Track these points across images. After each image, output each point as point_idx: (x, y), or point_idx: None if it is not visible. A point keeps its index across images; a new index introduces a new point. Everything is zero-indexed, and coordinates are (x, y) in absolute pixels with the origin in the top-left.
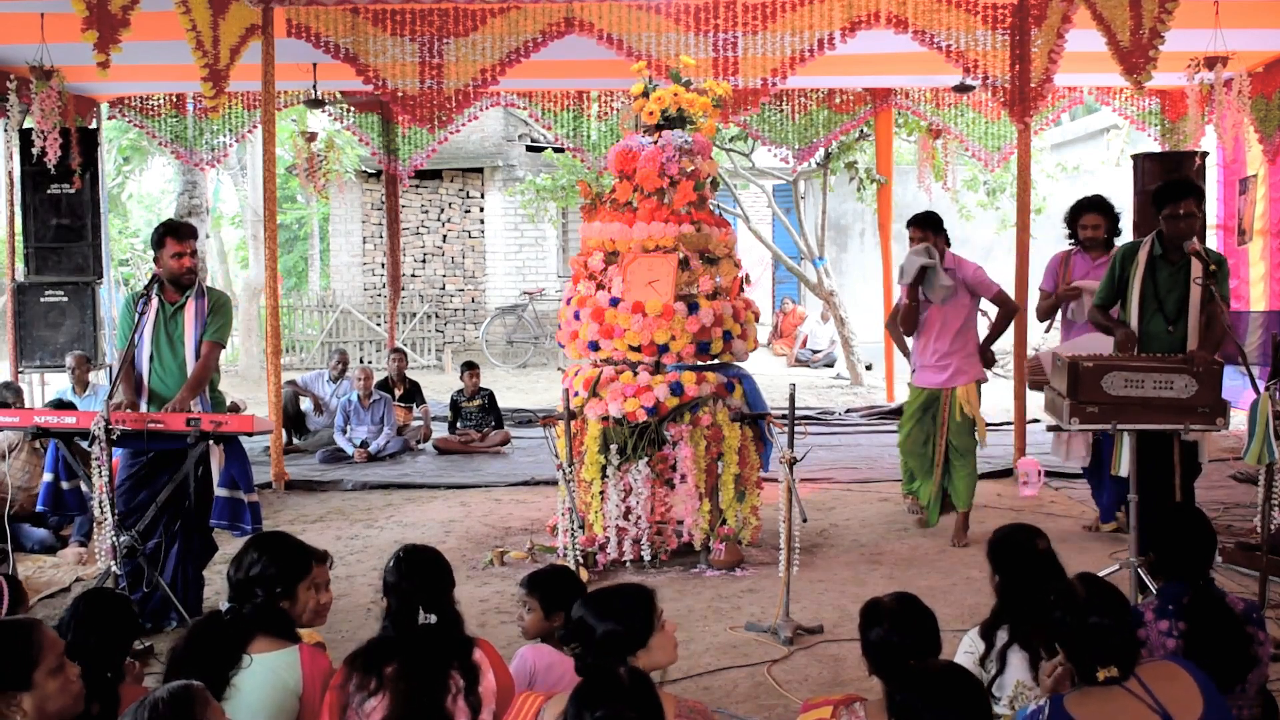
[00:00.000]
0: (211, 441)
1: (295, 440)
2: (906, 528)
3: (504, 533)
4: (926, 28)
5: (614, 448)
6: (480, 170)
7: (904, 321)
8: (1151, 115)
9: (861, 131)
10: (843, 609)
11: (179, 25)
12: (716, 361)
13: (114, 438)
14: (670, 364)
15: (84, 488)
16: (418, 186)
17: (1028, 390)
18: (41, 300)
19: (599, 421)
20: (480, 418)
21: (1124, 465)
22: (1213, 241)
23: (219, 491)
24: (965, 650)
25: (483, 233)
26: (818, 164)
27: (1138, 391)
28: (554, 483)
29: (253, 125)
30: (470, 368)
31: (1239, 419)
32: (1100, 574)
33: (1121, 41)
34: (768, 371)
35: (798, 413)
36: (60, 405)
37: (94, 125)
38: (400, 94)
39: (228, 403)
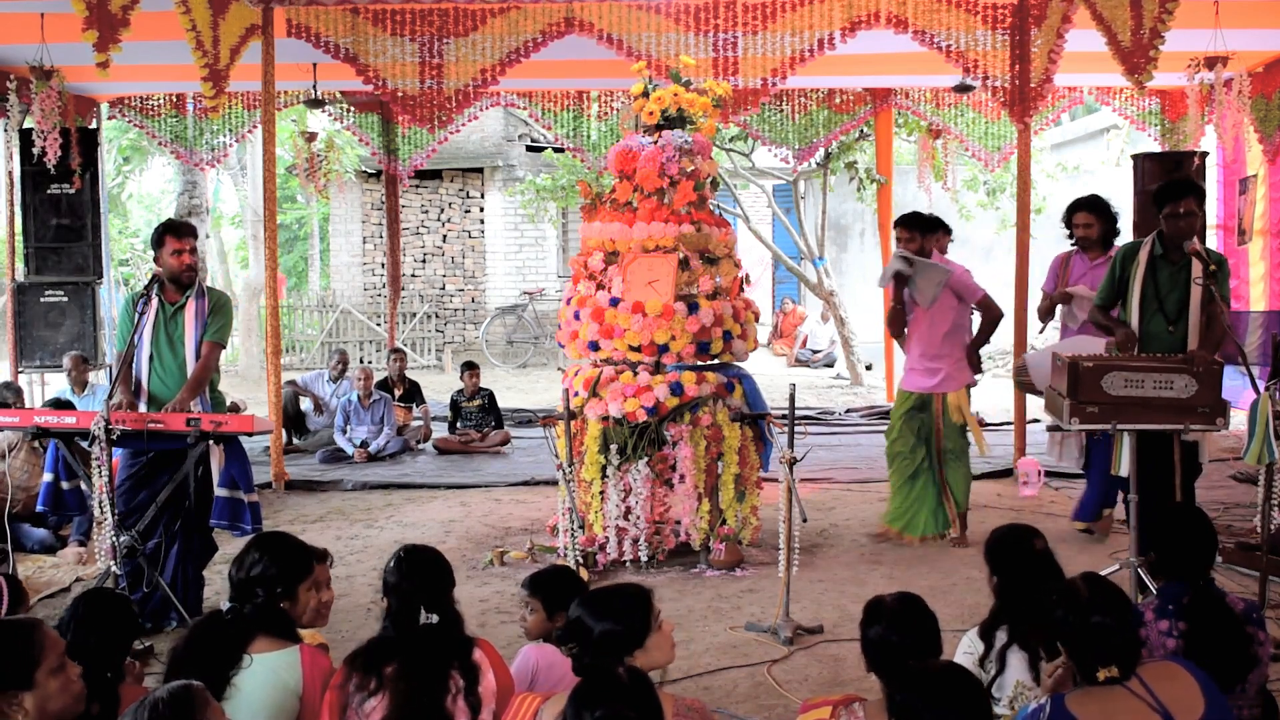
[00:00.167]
0: (211, 441)
1: (295, 440)
2: None
3: (504, 533)
4: (926, 28)
5: (614, 448)
6: (480, 170)
7: (891, 325)
8: (1151, 115)
9: (861, 131)
10: (843, 609)
11: (179, 25)
12: (716, 361)
13: (114, 438)
14: (670, 364)
15: (84, 488)
16: (418, 186)
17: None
18: (41, 300)
19: (599, 421)
20: (480, 418)
21: (1124, 465)
22: (1213, 241)
23: (219, 491)
24: (965, 650)
25: (483, 233)
26: (818, 164)
27: (1138, 391)
28: (554, 483)
29: (253, 125)
30: (470, 368)
31: (1239, 419)
32: (1100, 574)
33: (1122, 41)
34: (768, 371)
35: (798, 413)
36: (59, 404)
37: (94, 125)
38: (400, 94)
39: (228, 403)
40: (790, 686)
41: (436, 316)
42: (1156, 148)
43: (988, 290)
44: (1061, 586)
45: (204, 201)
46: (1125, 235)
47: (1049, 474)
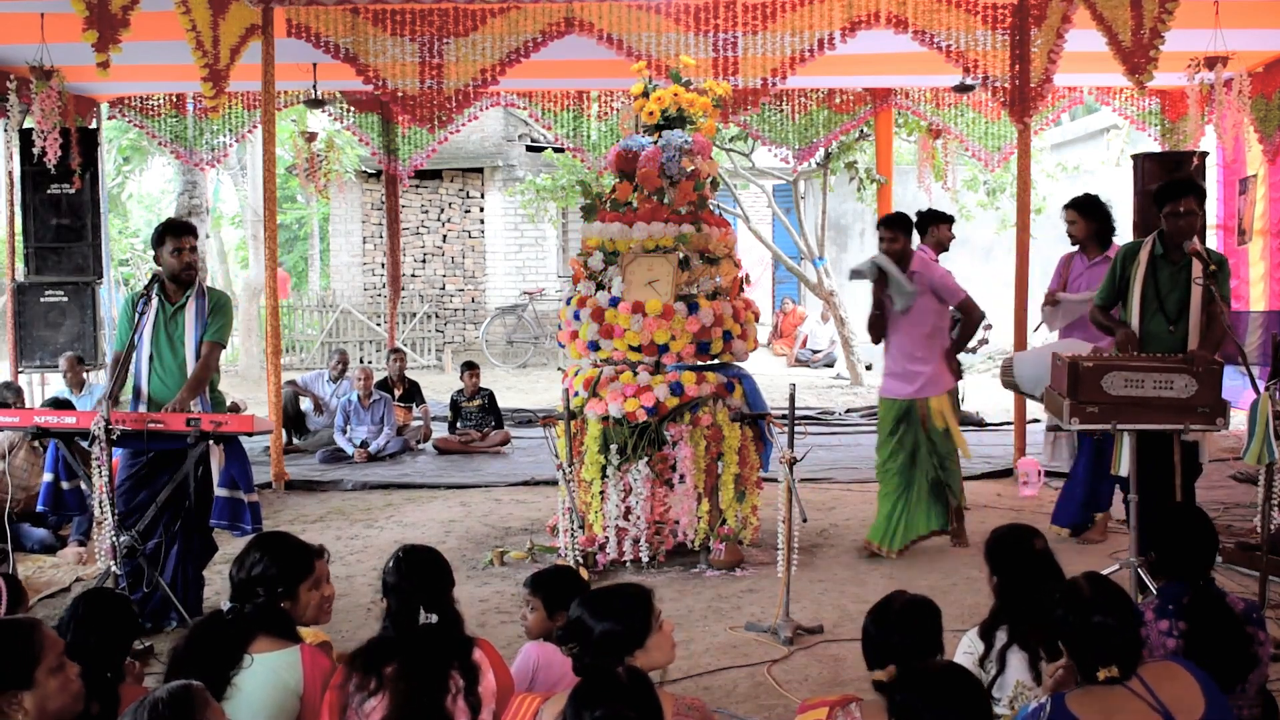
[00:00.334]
0: (211, 441)
1: (295, 440)
2: None
3: (504, 533)
4: (926, 28)
5: (614, 448)
6: (480, 170)
7: (871, 329)
8: (1151, 115)
9: (861, 131)
10: (843, 609)
11: (179, 25)
12: (716, 361)
13: (114, 438)
14: (670, 364)
15: (84, 488)
16: (418, 186)
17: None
18: (41, 300)
19: (599, 421)
20: (480, 418)
21: (1124, 465)
22: (1213, 241)
23: (219, 491)
24: (965, 650)
25: (483, 233)
26: (818, 164)
27: (1138, 391)
28: (554, 483)
29: (253, 125)
30: (470, 368)
31: (1239, 419)
32: (1102, 573)
33: (1122, 41)
34: (768, 371)
35: (798, 413)
36: (59, 404)
37: (94, 125)
38: (400, 94)
39: (228, 403)
40: (790, 686)
41: (436, 316)
42: (1156, 148)
43: (976, 291)
44: (1063, 586)
45: (204, 201)
46: (1125, 235)
47: (1049, 474)
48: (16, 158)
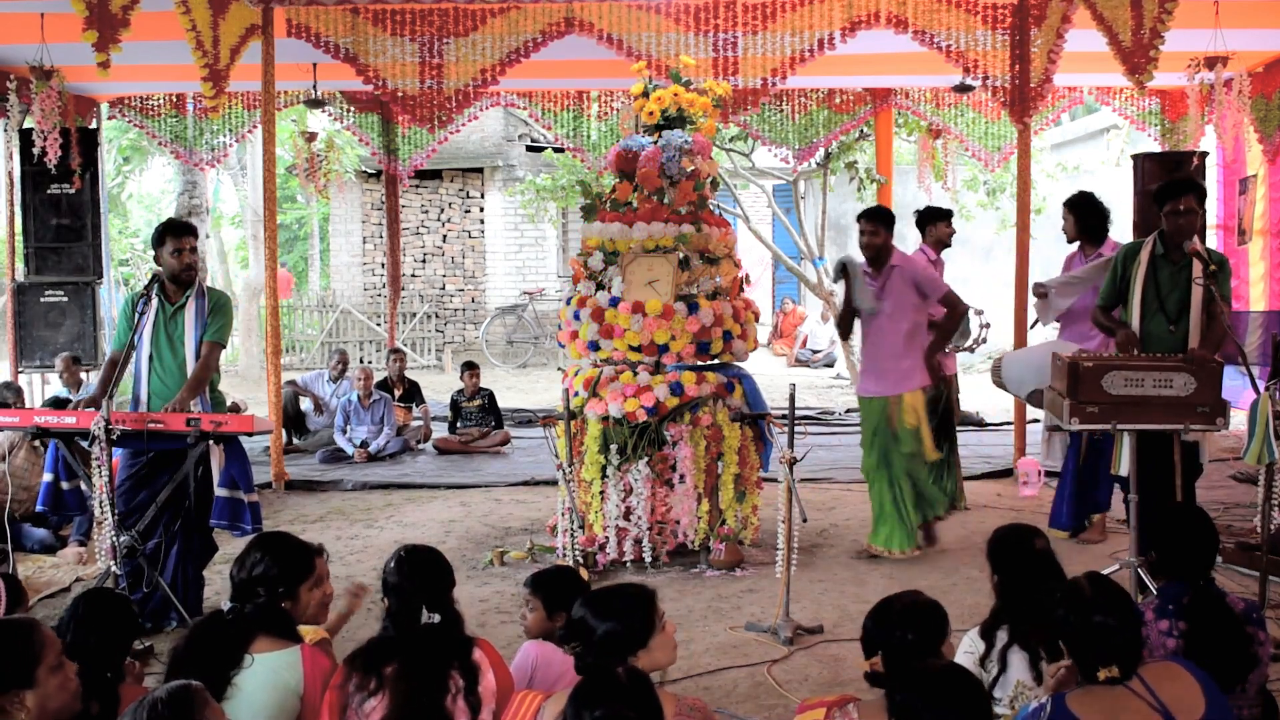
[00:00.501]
0: (211, 441)
1: (295, 440)
2: None
3: (504, 533)
4: (926, 28)
5: (614, 448)
6: (480, 170)
7: (839, 325)
8: (1151, 115)
9: (861, 131)
10: (843, 609)
11: (179, 25)
12: (716, 361)
13: (114, 438)
14: (670, 364)
15: (84, 488)
16: (418, 186)
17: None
18: (41, 300)
19: (599, 421)
20: (480, 418)
21: (1124, 465)
22: (1213, 241)
23: (219, 491)
24: (965, 650)
25: (483, 233)
26: (818, 164)
27: (1138, 391)
28: (554, 483)
29: (253, 125)
30: (470, 368)
31: (1239, 419)
32: (1103, 573)
33: (1122, 41)
34: (768, 371)
35: (798, 413)
36: (58, 403)
37: (94, 125)
38: (400, 94)
39: (228, 403)
40: (790, 686)
41: (436, 316)
42: (1156, 148)
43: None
44: (1064, 586)
45: (204, 201)
46: (1125, 235)
47: (1049, 474)
48: (16, 158)
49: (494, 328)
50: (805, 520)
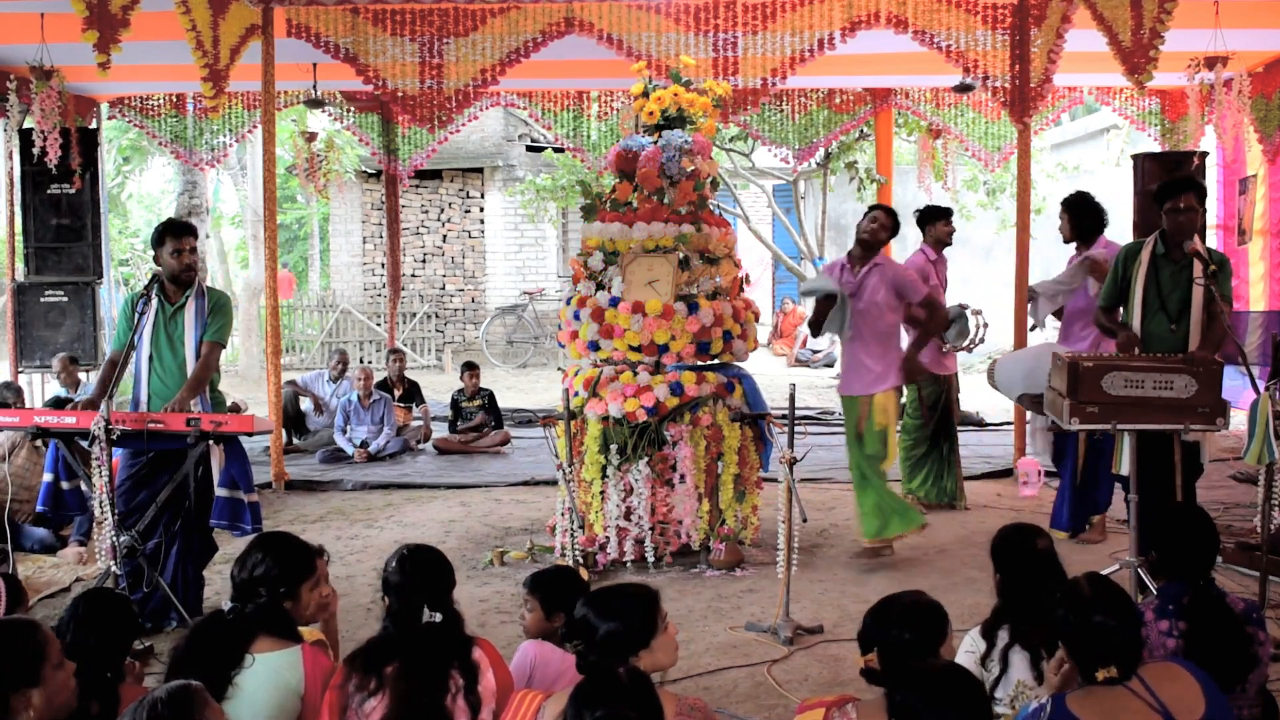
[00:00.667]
0: (211, 441)
1: (295, 440)
2: None
3: (504, 533)
4: (926, 28)
5: (614, 448)
6: (480, 170)
7: (811, 325)
8: (1151, 115)
9: (861, 131)
10: (843, 609)
11: (179, 25)
12: (716, 361)
13: (114, 438)
14: (670, 364)
15: (84, 488)
16: (418, 186)
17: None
18: (41, 300)
19: (599, 421)
20: (480, 421)
21: (1124, 465)
22: (1213, 241)
23: (219, 491)
24: (966, 650)
25: (483, 233)
26: (818, 164)
27: (1138, 391)
28: (554, 483)
29: (253, 125)
30: (470, 368)
31: (1239, 419)
32: (1103, 573)
33: (1122, 41)
34: (768, 371)
35: (798, 413)
36: (60, 403)
37: (94, 125)
38: (400, 94)
39: (228, 403)
40: (790, 686)
41: (436, 316)
42: (1156, 148)
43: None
44: (1063, 586)
45: (204, 201)
46: (1125, 235)
47: (1049, 474)
48: (16, 158)
49: (494, 328)
50: (805, 520)
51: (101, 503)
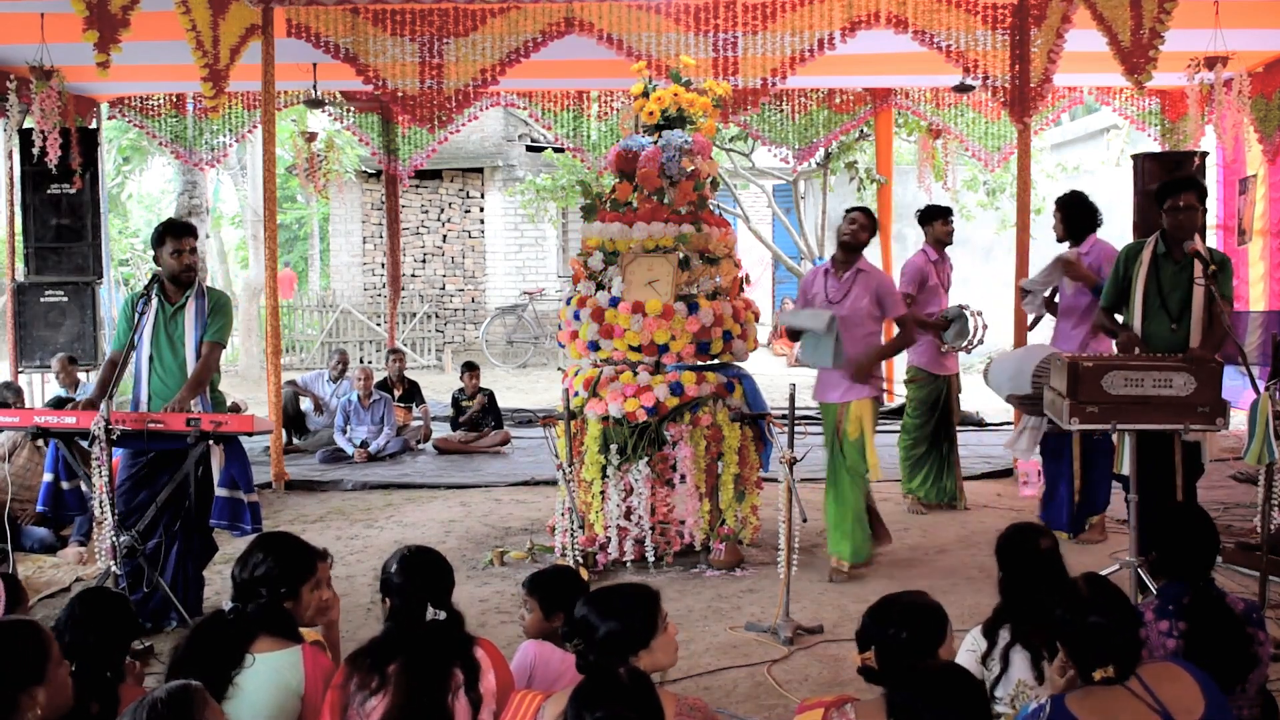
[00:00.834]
0: (211, 441)
1: (295, 440)
2: (907, 527)
3: (504, 533)
4: (926, 28)
5: (614, 448)
6: (480, 170)
7: (786, 335)
8: (1151, 115)
9: (861, 131)
10: (843, 609)
11: (179, 25)
12: (716, 361)
13: (114, 438)
14: (670, 364)
15: (84, 488)
16: (418, 186)
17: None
18: (41, 300)
19: (599, 421)
20: (480, 417)
21: (1125, 464)
22: (1213, 241)
23: (219, 491)
24: (968, 648)
25: (483, 233)
26: (818, 164)
27: (1137, 390)
28: (554, 483)
29: (253, 125)
30: (470, 368)
31: (1239, 419)
32: (1101, 574)
33: (1122, 41)
34: (768, 371)
35: (798, 413)
36: (60, 403)
37: (94, 125)
38: (400, 94)
39: (228, 403)
40: (790, 686)
41: (436, 316)
42: (1156, 148)
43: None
44: (1062, 586)
45: (204, 201)
46: (1125, 235)
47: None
48: (16, 158)
49: (494, 328)
50: (805, 520)
51: (101, 503)
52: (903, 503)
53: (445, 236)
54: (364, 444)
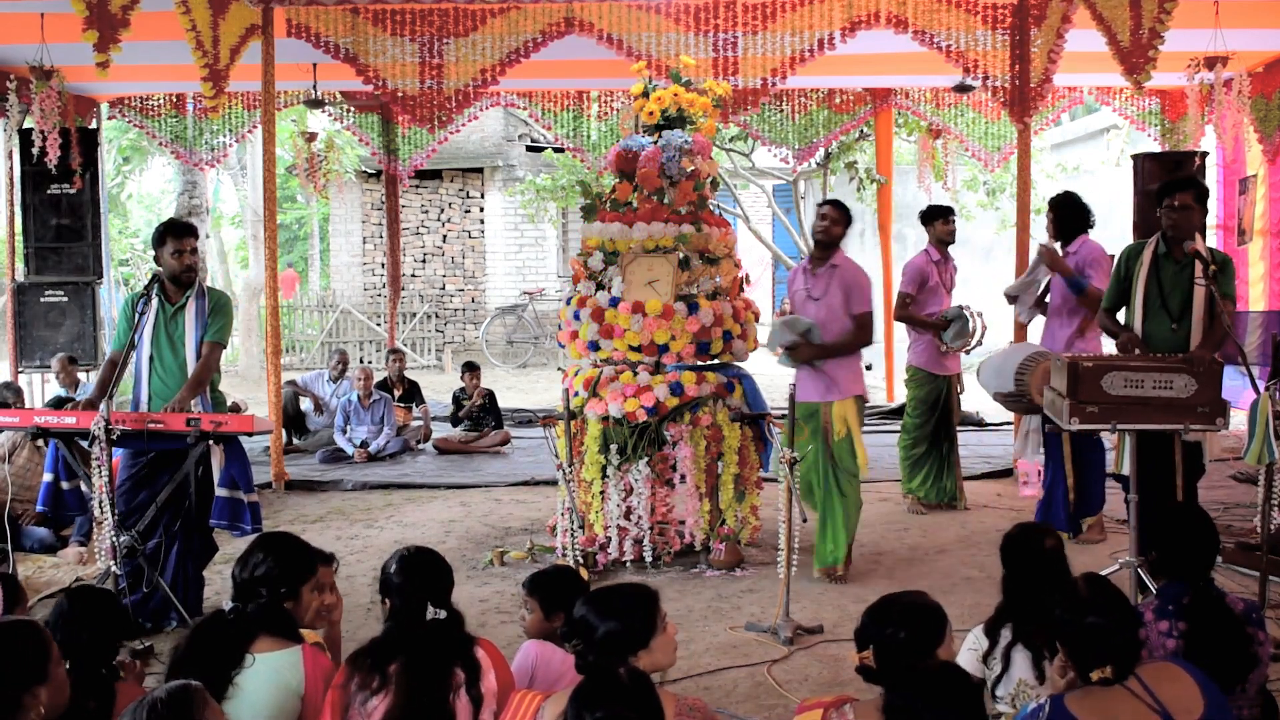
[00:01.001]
0: (211, 441)
1: (295, 440)
2: (907, 527)
3: (504, 533)
4: (926, 28)
5: (614, 448)
6: (480, 170)
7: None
8: (1151, 115)
9: (861, 131)
10: (843, 609)
11: (179, 25)
12: (716, 361)
13: (114, 438)
14: (670, 364)
15: (84, 488)
16: (418, 186)
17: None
18: (41, 300)
19: (599, 421)
20: (480, 417)
21: (1125, 465)
22: (1213, 241)
23: (219, 491)
24: (969, 647)
25: (483, 233)
26: (818, 164)
27: (1137, 391)
28: (554, 483)
29: (253, 125)
30: (471, 369)
31: (1239, 419)
32: (1101, 574)
33: (1122, 41)
34: (768, 371)
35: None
36: (62, 403)
37: (94, 125)
38: (400, 94)
39: (228, 403)
40: (790, 686)
41: (436, 316)
42: (1156, 148)
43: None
44: (1062, 586)
45: (204, 201)
46: (1125, 234)
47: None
48: (16, 158)
49: (494, 328)
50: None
51: (101, 503)
52: (903, 503)
53: (445, 236)
54: (364, 444)
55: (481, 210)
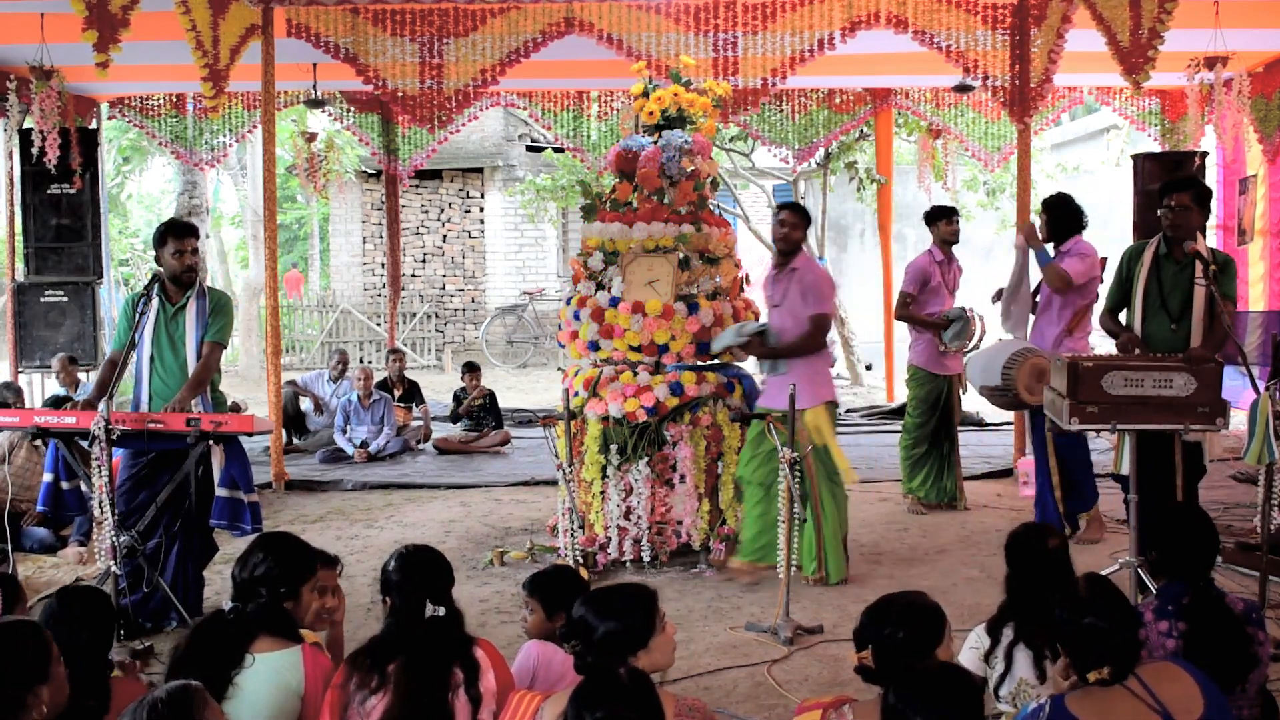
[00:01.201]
0: (211, 441)
1: (295, 440)
2: (907, 527)
3: (504, 533)
4: (926, 28)
5: (614, 448)
6: (480, 170)
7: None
8: (1151, 115)
9: (861, 131)
10: (843, 609)
11: (179, 25)
12: (716, 362)
13: (114, 438)
14: (670, 364)
15: (84, 488)
16: (418, 186)
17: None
18: (41, 300)
19: (599, 421)
20: (480, 417)
21: (1125, 464)
22: (1213, 241)
23: (219, 491)
24: (971, 646)
25: (483, 233)
26: (818, 164)
27: (1137, 391)
28: (554, 483)
29: (253, 125)
30: (471, 369)
31: (1239, 419)
32: (1101, 574)
33: (1121, 41)
34: None
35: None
36: (59, 402)
37: (94, 125)
38: (400, 94)
39: (228, 403)
40: (790, 686)
41: (436, 316)
42: (1156, 148)
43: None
44: (1063, 586)
45: (204, 201)
46: (1125, 234)
47: None
48: (16, 158)
49: (494, 328)
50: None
51: (101, 503)
52: (903, 503)
53: (445, 236)
54: (364, 444)
55: (481, 210)
